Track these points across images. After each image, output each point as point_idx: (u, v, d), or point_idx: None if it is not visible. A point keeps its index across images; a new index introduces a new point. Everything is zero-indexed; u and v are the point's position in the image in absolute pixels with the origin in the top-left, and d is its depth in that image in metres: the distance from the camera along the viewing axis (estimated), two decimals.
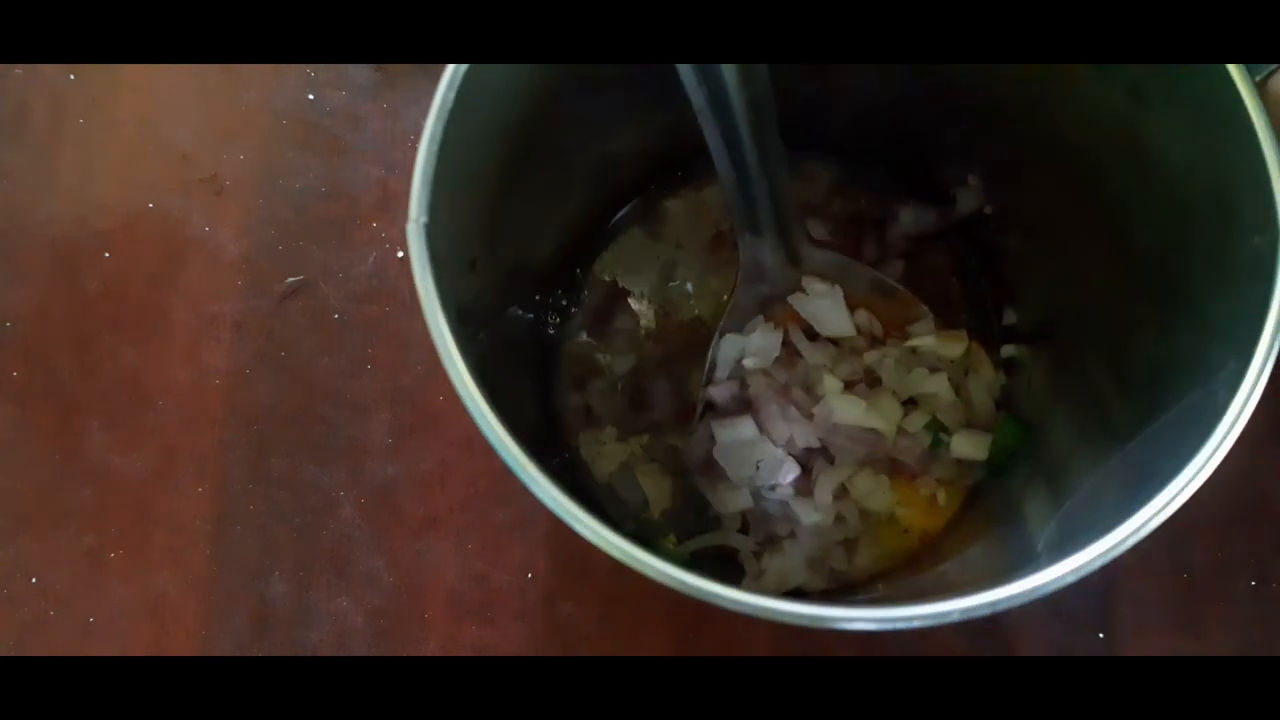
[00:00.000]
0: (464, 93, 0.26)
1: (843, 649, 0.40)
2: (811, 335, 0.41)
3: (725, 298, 0.42)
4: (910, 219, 0.43)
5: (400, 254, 0.43)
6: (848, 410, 0.39)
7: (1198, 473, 0.24)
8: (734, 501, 0.39)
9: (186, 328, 0.43)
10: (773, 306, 0.41)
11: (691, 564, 0.40)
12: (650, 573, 0.23)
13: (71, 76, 0.45)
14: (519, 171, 0.32)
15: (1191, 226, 0.29)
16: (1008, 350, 0.42)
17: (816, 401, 0.40)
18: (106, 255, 0.44)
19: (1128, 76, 0.29)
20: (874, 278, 0.41)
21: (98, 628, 0.41)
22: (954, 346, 0.40)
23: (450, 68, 0.26)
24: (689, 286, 0.43)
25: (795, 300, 0.41)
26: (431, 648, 0.40)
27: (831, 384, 0.40)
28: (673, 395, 0.42)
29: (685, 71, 0.30)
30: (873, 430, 0.39)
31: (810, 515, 0.39)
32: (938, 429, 0.40)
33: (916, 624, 0.23)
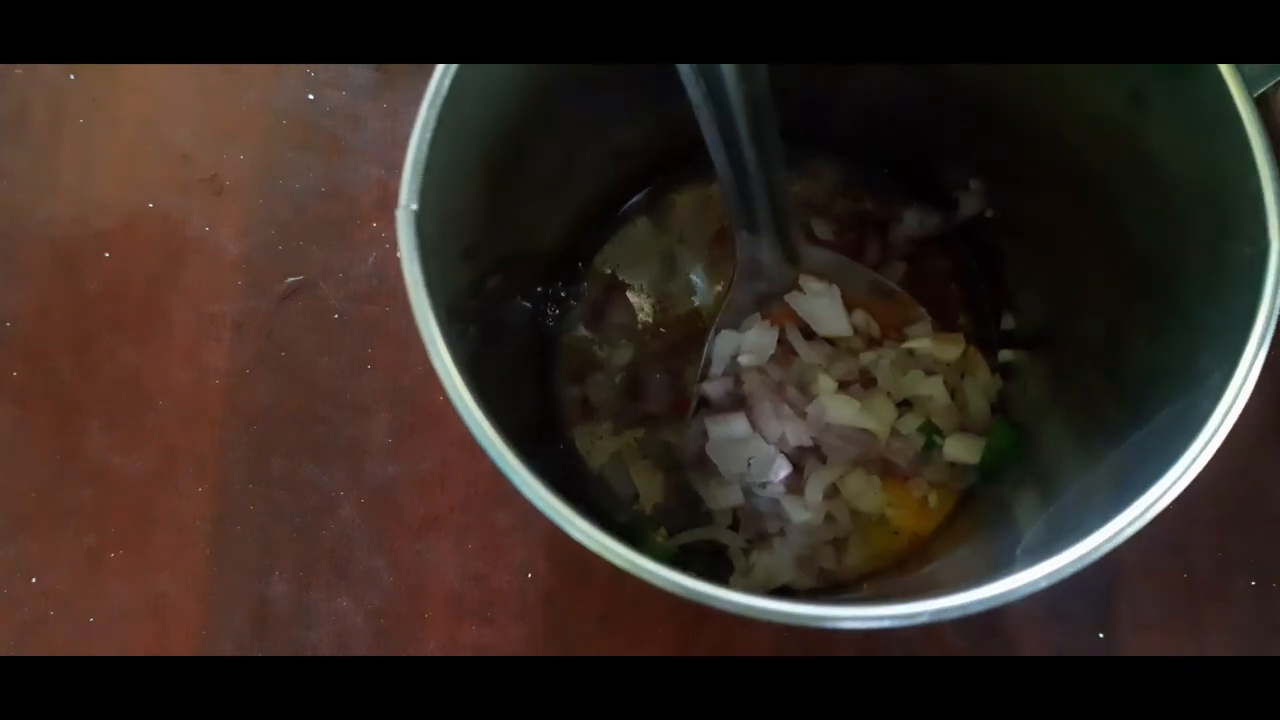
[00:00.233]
0: (458, 83, 0.26)
1: (843, 649, 0.40)
2: (808, 334, 0.41)
3: (723, 293, 0.42)
4: (914, 222, 0.43)
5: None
6: (841, 410, 0.39)
7: (1175, 482, 0.24)
8: (725, 497, 0.40)
9: (186, 328, 0.43)
10: (770, 304, 0.41)
11: (680, 558, 0.40)
12: (644, 575, 0.23)
13: (71, 76, 0.45)
14: (519, 161, 0.32)
15: (1186, 233, 0.29)
16: (1005, 355, 0.41)
17: (810, 400, 0.40)
18: (106, 255, 0.44)
19: (1129, 81, 0.29)
20: (872, 278, 0.41)
21: (98, 628, 0.41)
22: (951, 349, 0.40)
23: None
24: (688, 281, 0.43)
25: (792, 299, 0.41)
26: (431, 648, 0.40)
27: (825, 383, 0.40)
28: (668, 389, 0.42)
29: (683, 67, 0.30)
30: (865, 431, 0.39)
31: (800, 513, 0.39)
32: (931, 431, 0.40)
33: (887, 624, 0.23)
